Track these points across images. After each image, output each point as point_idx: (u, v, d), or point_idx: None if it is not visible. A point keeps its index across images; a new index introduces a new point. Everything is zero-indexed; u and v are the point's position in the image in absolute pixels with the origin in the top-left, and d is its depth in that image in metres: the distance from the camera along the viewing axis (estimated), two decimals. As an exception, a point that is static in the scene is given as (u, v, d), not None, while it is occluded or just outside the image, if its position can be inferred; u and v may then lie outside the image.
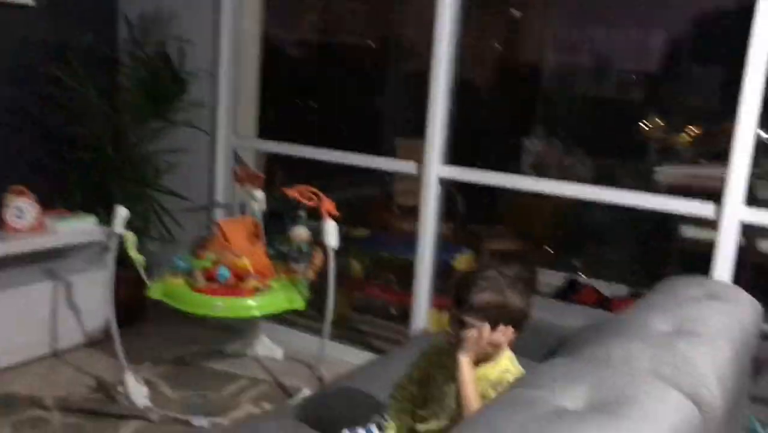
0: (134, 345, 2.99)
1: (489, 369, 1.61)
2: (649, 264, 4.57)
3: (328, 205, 2.79)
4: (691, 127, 5.05)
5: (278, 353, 3.39)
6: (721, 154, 4.56)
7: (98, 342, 3.39)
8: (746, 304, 2.00)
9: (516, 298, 1.56)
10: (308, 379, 3.13)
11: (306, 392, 2.86)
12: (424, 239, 3.06)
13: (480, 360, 1.60)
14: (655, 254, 4.54)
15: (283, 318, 3.18)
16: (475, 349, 1.57)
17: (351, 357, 3.34)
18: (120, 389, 2.84)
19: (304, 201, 2.81)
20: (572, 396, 1.31)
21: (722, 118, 4.83)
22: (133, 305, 3.50)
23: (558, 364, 1.49)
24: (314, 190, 2.81)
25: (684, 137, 5.05)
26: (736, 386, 1.67)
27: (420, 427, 1.70)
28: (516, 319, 1.58)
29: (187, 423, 2.67)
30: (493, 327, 1.56)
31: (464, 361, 1.57)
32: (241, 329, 3.50)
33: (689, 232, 3.85)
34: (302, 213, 2.87)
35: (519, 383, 1.39)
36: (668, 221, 4.16)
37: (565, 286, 4.28)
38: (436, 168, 2.99)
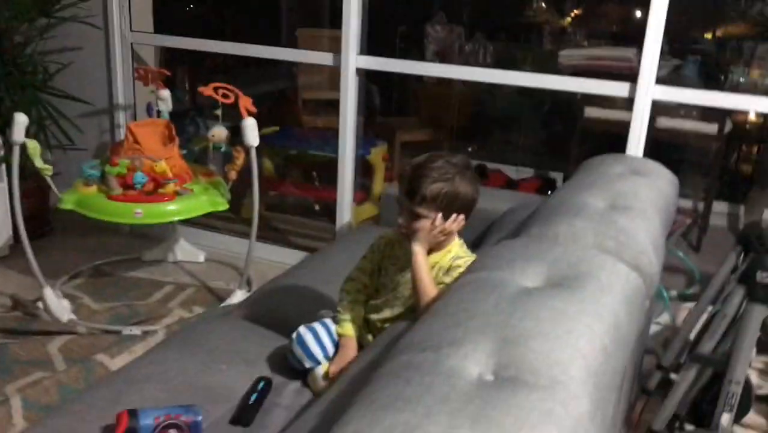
0: (44, 259, 2.85)
1: (441, 256, 1.64)
2: (554, 146, 4.75)
3: (245, 102, 2.69)
4: (575, 11, 5.16)
5: (200, 256, 3.34)
6: (607, 36, 4.74)
7: (2, 259, 3.22)
8: (665, 177, 2.12)
9: (465, 186, 1.58)
10: (235, 280, 3.11)
11: (239, 293, 2.84)
12: (344, 132, 3.02)
13: (432, 249, 1.63)
14: (560, 136, 4.71)
15: (198, 221, 3.11)
16: (428, 238, 1.59)
17: (273, 256, 3.34)
18: (40, 305, 2.73)
19: (220, 99, 2.69)
20: (531, 275, 1.37)
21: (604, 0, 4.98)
22: (35, 217, 3.31)
23: (511, 246, 1.55)
24: (230, 87, 2.69)
25: (567, 20, 5.16)
26: (663, 253, 1.79)
27: (374, 317, 1.74)
28: (466, 206, 1.60)
29: (117, 333, 2.62)
30: (445, 216, 1.58)
31: (419, 251, 1.59)
32: (156, 235, 3.41)
33: (592, 113, 3.99)
34: (219, 112, 2.74)
35: (479, 266, 1.43)
36: (571, 104, 4.30)
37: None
38: (353, 58, 2.92)
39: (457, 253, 1.66)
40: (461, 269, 1.60)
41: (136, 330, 2.63)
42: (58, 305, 2.71)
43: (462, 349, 1.09)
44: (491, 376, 1.04)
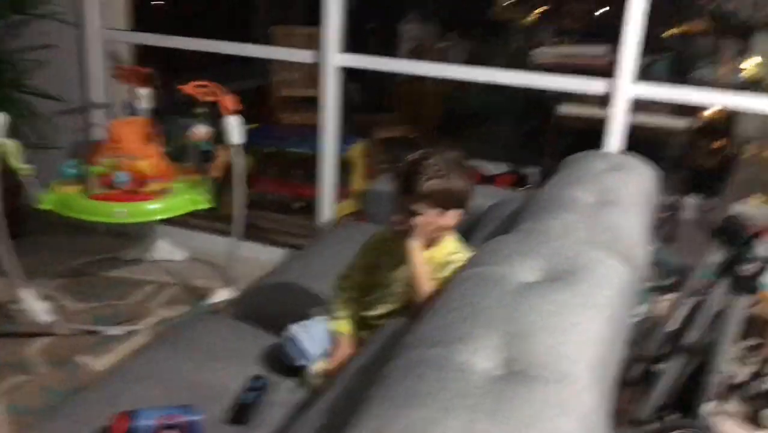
0: (20, 261, 2.79)
1: (436, 252, 1.66)
2: (529, 142, 4.81)
3: (228, 100, 2.67)
4: (541, 8, 5.24)
5: (179, 255, 3.31)
6: (575, 33, 4.82)
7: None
8: (646, 172, 2.17)
9: (460, 181, 1.60)
10: (216, 279, 3.10)
11: (221, 291, 2.83)
12: (326, 130, 3.02)
13: (427, 244, 1.65)
14: (534, 132, 4.77)
15: (176, 219, 3.08)
16: (425, 235, 1.61)
17: (253, 253, 3.31)
18: (18, 307, 2.68)
19: (203, 97, 2.67)
20: (530, 270, 1.39)
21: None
22: (8, 218, 3.24)
23: (506, 241, 1.57)
24: (212, 84, 2.67)
25: (534, 17, 5.23)
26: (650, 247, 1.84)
27: (368, 314, 1.75)
28: (462, 201, 1.62)
29: (100, 334, 2.59)
30: (442, 212, 1.60)
31: (416, 247, 1.60)
32: (135, 234, 3.37)
33: (566, 109, 4.04)
34: (201, 110, 2.72)
35: (477, 261, 1.45)
36: (544, 101, 4.35)
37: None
38: (334, 56, 2.92)
39: (452, 249, 1.68)
40: (457, 265, 1.62)
41: (119, 330, 2.60)
42: (37, 305, 2.67)
43: (471, 344, 1.11)
44: (502, 370, 1.06)
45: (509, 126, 5.05)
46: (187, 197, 2.70)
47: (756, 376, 2.23)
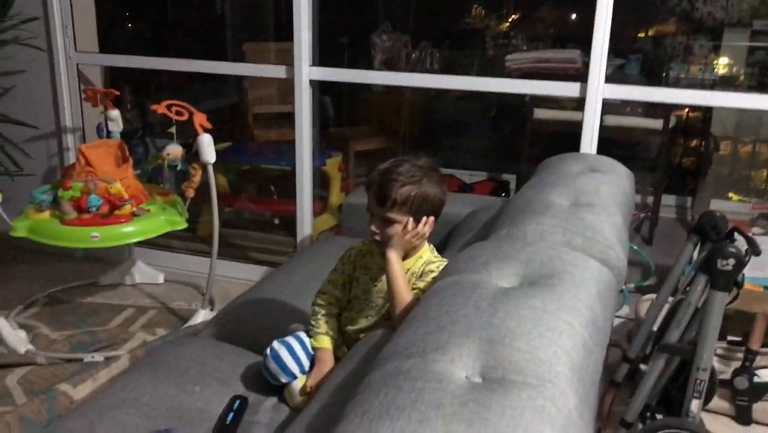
0: (-5, 290, 2.76)
1: (413, 262, 1.65)
2: (505, 149, 4.82)
3: (200, 119, 2.65)
4: (513, 16, 5.28)
5: (158, 277, 3.27)
6: (546, 38, 4.85)
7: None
8: (622, 173, 2.17)
9: (433, 187, 1.59)
10: (197, 299, 3.06)
11: (202, 312, 2.79)
12: (301, 145, 3.00)
13: (404, 255, 1.63)
14: (510, 138, 4.78)
15: (155, 241, 3.05)
16: (402, 244, 1.59)
17: (233, 272, 3.29)
18: (-6, 337, 2.63)
19: (174, 117, 2.65)
20: (507, 275, 1.39)
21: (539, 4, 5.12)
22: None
23: (482, 247, 1.56)
24: (183, 104, 2.65)
25: (506, 25, 5.26)
26: (627, 247, 1.83)
27: (350, 328, 1.73)
28: (436, 208, 1.61)
29: (79, 361, 2.54)
30: (416, 219, 1.58)
31: (394, 257, 1.58)
32: (112, 258, 3.33)
33: (541, 114, 4.05)
34: (173, 129, 2.70)
35: (454, 269, 1.44)
36: (519, 107, 4.37)
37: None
38: (306, 70, 2.91)
39: (428, 258, 1.66)
40: (434, 274, 1.61)
41: (99, 356, 2.56)
42: (14, 335, 2.62)
43: (448, 353, 1.10)
44: (479, 378, 1.05)
45: (486, 134, 5.06)
46: (162, 218, 2.67)
47: (741, 372, 2.22)
